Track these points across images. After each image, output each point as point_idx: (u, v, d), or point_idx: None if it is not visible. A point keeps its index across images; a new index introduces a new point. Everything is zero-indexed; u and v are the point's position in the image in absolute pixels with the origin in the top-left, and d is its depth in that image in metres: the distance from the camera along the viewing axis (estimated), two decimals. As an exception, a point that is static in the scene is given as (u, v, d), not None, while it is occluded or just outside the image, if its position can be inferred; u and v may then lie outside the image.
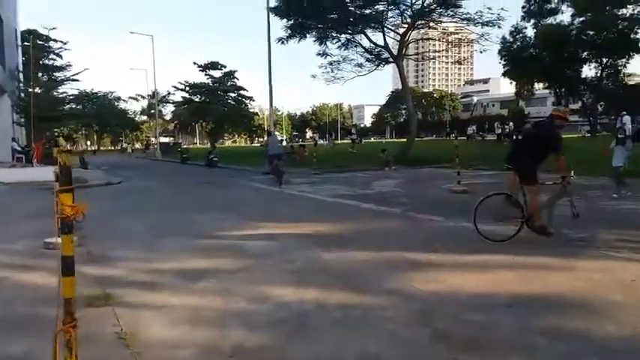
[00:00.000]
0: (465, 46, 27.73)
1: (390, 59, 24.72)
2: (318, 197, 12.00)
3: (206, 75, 67.76)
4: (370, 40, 24.28)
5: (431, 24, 23.68)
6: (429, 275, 4.98)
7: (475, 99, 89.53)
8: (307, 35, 23.79)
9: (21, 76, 27.04)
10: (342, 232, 7.42)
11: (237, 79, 69.41)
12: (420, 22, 23.17)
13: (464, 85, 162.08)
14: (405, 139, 42.42)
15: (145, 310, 4.20)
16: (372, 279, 4.92)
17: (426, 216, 8.60)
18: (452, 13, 21.91)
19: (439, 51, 28.40)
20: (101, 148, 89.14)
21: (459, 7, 21.52)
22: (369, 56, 25.08)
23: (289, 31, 23.38)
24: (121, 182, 18.09)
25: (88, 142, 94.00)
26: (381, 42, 24.28)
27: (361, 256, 5.82)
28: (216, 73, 67.85)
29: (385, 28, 23.64)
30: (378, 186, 14.42)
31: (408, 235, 7.20)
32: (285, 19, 23.03)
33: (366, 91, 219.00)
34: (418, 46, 41.96)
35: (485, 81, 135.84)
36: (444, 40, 26.00)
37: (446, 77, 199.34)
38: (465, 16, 21.75)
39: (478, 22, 22.16)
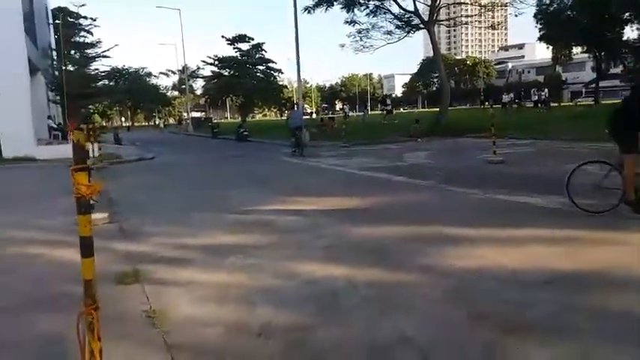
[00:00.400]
0: (498, 9, 26.46)
1: (421, 25, 23.89)
2: (347, 170, 11.82)
3: (234, 48, 67.60)
4: (400, 6, 23.51)
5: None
6: (465, 251, 4.77)
7: (510, 65, 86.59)
8: (334, 3, 23.17)
9: (54, 54, 27.48)
10: (373, 206, 7.25)
11: (265, 52, 68.98)
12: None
13: (498, 51, 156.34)
14: (438, 109, 41.49)
15: (174, 287, 4.17)
16: (405, 255, 4.75)
17: (461, 188, 8.31)
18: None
19: (472, 15, 27.21)
20: (135, 124, 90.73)
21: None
22: (399, 23, 24.30)
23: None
24: (153, 158, 18.37)
25: (123, 119, 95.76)
26: (410, 7, 23.47)
27: (393, 231, 5.65)
28: (244, 46, 67.58)
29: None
30: (410, 158, 14.10)
31: (441, 208, 6.97)
32: (311, -14, 22.47)
33: (397, 60, 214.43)
34: (449, 11, 40.49)
35: (521, 47, 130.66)
36: (477, 4, 24.88)
37: (479, 43, 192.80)
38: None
39: (514, -17, 21.04)
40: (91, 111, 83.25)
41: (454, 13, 39.88)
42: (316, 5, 22.98)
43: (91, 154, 15.55)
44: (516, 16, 22.57)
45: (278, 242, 5.44)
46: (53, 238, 6.05)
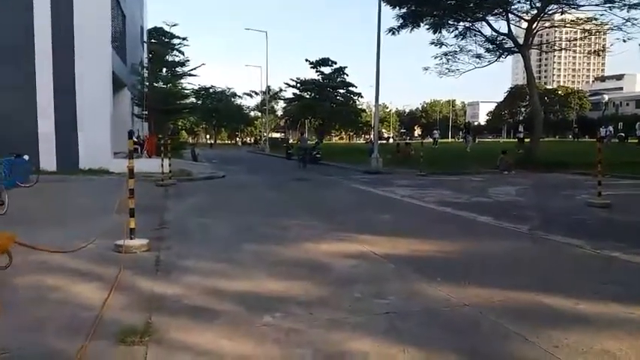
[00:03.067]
0: (605, 33, 23.87)
1: (514, 49, 22.03)
2: (422, 204, 10.50)
3: (317, 71, 68.46)
4: (492, 28, 21.84)
5: (564, 8, 20.56)
6: (578, 338, 3.40)
7: (606, 97, 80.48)
8: (421, 24, 21.98)
9: (143, 70, 28.70)
10: (452, 256, 5.95)
11: (347, 75, 69.28)
12: (552, 5, 20.21)
13: (593, 81, 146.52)
14: (526, 139, 38.62)
15: (185, 354, 3.21)
16: (496, 337, 3.48)
17: (561, 238, 6.79)
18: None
19: (572, 40, 24.82)
20: (218, 141, 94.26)
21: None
22: (490, 46, 22.60)
23: (401, 20, 21.77)
24: (224, 176, 18.04)
25: (208, 136, 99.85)
26: (504, 29, 21.75)
27: (479, 296, 4.35)
28: (327, 70, 68.28)
29: (510, 14, 21.03)
30: (496, 193, 12.49)
31: (540, 266, 5.53)
32: (397, 8, 21.46)
33: (481, 87, 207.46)
34: (544, 34, 37.76)
35: (619, 77, 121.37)
36: (580, 28, 22.60)
37: (572, 72, 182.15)
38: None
39: (624, 4, 18.74)
40: (179, 127, 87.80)
41: (548, 36, 37.06)
42: (401, 26, 21.93)
43: (162, 170, 15.51)
44: (625, 41, 20.11)
45: (329, 298, 4.34)
46: (80, 266, 5.38)
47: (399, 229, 7.57)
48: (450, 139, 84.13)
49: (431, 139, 50.57)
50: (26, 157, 15.48)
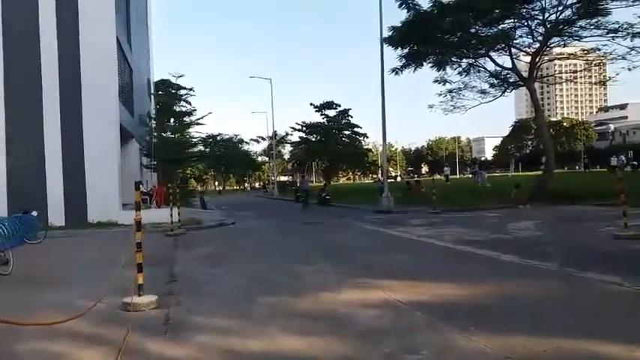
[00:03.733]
0: (604, 64, 23.86)
1: (519, 83, 22.02)
2: (440, 243, 10.10)
3: (321, 115, 69.29)
4: (496, 63, 21.89)
5: (567, 41, 20.65)
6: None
7: (612, 127, 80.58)
8: (424, 63, 22.14)
9: (153, 122, 29.03)
10: (482, 300, 5.53)
11: (352, 117, 69.99)
12: (555, 38, 20.31)
13: (597, 112, 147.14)
14: (534, 173, 38.13)
15: None
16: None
17: (594, 275, 6.37)
18: (595, 24, 18.70)
19: (575, 72, 24.83)
20: (227, 187, 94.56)
21: (607, 14, 18.24)
22: (495, 81, 22.62)
23: (404, 60, 21.94)
24: (234, 223, 17.75)
25: (216, 182, 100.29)
26: (507, 64, 21.83)
27: (521, 346, 3.94)
28: (331, 112, 69.10)
29: (513, 49, 21.14)
30: (515, 229, 12.06)
31: (581, 307, 5.10)
32: (399, 48, 21.69)
33: (486, 123, 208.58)
34: (545, 67, 38.06)
35: (622, 107, 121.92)
36: (584, 59, 22.64)
37: (575, 104, 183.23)
38: (611, 26, 18.45)
39: (628, 34, 18.74)
40: (188, 175, 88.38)
41: (548, 69, 37.24)
42: (404, 66, 22.08)
43: (171, 220, 15.28)
44: (630, 70, 20.02)
45: (355, 354, 3.95)
46: (87, 329, 5.03)
47: (420, 272, 7.19)
48: (457, 176, 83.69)
49: (442, 176, 49.86)
50: (35, 213, 15.33)
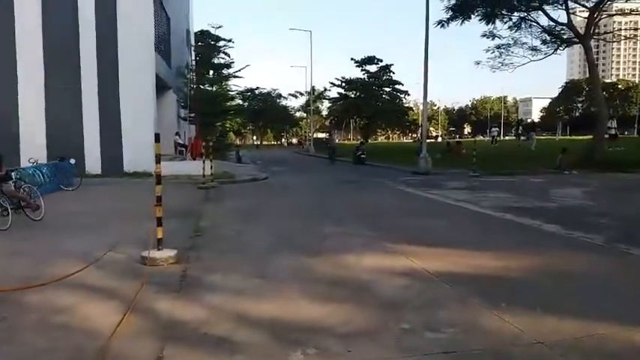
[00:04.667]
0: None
1: (575, 40, 20.41)
2: (479, 210, 9.56)
3: (362, 70, 67.52)
4: (550, 18, 20.26)
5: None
6: None
7: (672, 90, 75.00)
8: (472, 15, 20.74)
9: (192, 74, 28.89)
10: (518, 274, 5.08)
11: (393, 73, 67.84)
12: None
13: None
14: (583, 137, 36.15)
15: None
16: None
17: (648, 252, 5.78)
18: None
19: (638, 29, 22.72)
20: (264, 142, 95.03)
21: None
22: (548, 37, 21.03)
23: (451, 12, 20.61)
24: (266, 178, 17.62)
25: (254, 137, 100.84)
26: (562, 19, 20.18)
27: (557, 331, 3.54)
28: (372, 68, 67.13)
29: (570, 2, 19.45)
30: (560, 196, 11.33)
31: (629, 291, 4.57)
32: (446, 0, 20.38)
33: (534, 83, 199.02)
34: (606, 23, 35.26)
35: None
36: (647, 14, 20.69)
37: (633, 65, 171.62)
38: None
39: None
40: (227, 129, 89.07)
41: (610, 27, 34.34)
42: (451, 18, 20.75)
43: (203, 173, 15.26)
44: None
45: (373, 329, 3.64)
46: (100, 282, 4.94)
47: (453, 240, 6.75)
48: (501, 137, 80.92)
49: (489, 137, 47.30)
50: (72, 160, 15.62)
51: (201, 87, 29.73)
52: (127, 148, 16.99)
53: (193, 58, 33.43)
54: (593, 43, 21.50)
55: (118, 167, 16.69)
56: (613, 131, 26.55)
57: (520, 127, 63.15)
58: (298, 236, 7.12)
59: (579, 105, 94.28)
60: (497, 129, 46.63)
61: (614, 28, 26.35)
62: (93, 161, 16.93)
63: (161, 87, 21.72)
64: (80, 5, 16.80)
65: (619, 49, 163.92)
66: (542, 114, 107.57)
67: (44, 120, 16.76)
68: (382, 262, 5.58)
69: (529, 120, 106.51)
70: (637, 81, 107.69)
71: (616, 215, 8.59)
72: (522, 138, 51.20)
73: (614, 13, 22.54)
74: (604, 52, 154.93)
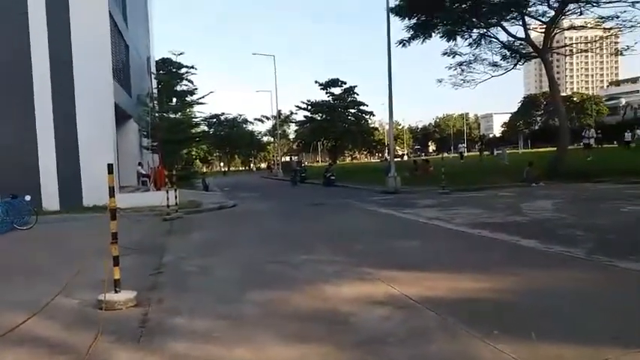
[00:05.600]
0: (627, 32, 22.57)
1: (533, 54, 20.94)
2: (452, 227, 9.35)
3: (327, 93, 68.16)
4: (508, 33, 20.77)
5: (584, 7, 19.45)
6: None
7: (624, 100, 78.66)
8: (433, 34, 21.05)
9: (154, 102, 28.26)
10: (504, 296, 4.81)
11: (357, 95, 68.87)
12: (572, 5, 19.12)
13: (608, 86, 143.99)
14: (544, 149, 37.05)
15: None
16: None
17: (633, 265, 5.62)
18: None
19: (593, 41, 23.59)
20: (232, 168, 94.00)
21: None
22: (507, 52, 21.53)
23: (412, 31, 20.87)
24: (234, 205, 17.09)
25: (222, 163, 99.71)
26: (520, 34, 20.71)
27: (556, 355, 3.25)
28: (337, 90, 67.95)
29: (526, 17, 19.99)
30: (531, 210, 11.29)
31: (623, 307, 4.35)
32: (406, 19, 20.61)
33: (494, 99, 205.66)
34: (559, 39, 36.60)
35: (634, 80, 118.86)
36: (600, 28, 21.46)
37: (585, 78, 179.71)
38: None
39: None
40: (193, 156, 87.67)
41: (562, 41, 35.57)
42: (412, 37, 21.01)
43: (167, 203, 14.62)
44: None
45: (357, 372, 3.26)
46: (51, 332, 4.40)
47: (432, 261, 6.47)
48: (466, 153, 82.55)
49: (457, 154, 48.01)
50: (28, 197, 14.73)
51: (164, 115, 29.11)
52: (86, 182, 16.20)
53: (155, 86, 32.81)
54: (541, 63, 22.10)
55: (77, 201, 15.87)
56: (589, 141, 26.85)
57: (482, 143, 64.80)
58: (268, 267, 6.69)
59: (538, 118, 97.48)
60: (464, 145, 47.84)
61: (565, 43, 27.35)
62: (50, 197, 16.07)
63: (121, 116, 21.06)
64: (32, 31, 16.14)
65: (572, 64, 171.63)
66: (503, 129, 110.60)
67: (-6, 154, 15.86)
68: (360, 290, 5.22)
69: (491, 135, 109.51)
70: (591, 93, 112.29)
71: (590, 226, 8.51)
72: (486, 153, 52.35)
73: (567, 27, 23.32)
74: (558, 66, 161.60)
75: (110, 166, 5.39)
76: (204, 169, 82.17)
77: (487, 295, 4.84)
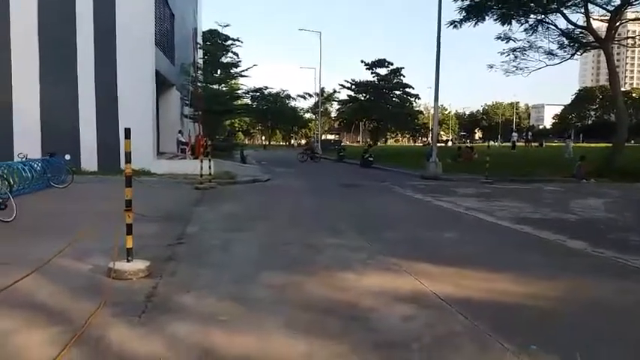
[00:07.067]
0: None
1: (595, 44, 19.45)
2: (493, 221, 8.72)
3: (372, 73, 66.86)
4: (568, 20, 19.29)
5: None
6: None
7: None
8: (486, 17, 19.84)
9: (199, 72, 28.23)
10: (546, 304, 4.25)
11: (404, 77, 67.29)
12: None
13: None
14: (597, 145, 35.08)
15: None
16: None
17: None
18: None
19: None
20: (272, 143, 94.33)
21: None
22: (565, 41, 20.08)
23: (464, 13, 19.73)
24: (268, 180, 16.87)
25: (263, 137, 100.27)
26: (580, 22, 19.23)
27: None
28: (383, 71, 66.54)
29: (589, 4, 18.50)
30: (581, 207, 10.47)
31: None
32: (460, 0, 19.51)
33: (546, 90, 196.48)
34: (621, 31, 34.24)
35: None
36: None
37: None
38: None
39: None
40: (236, 128, 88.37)
41: (627, 32, 33.12)
42: (465, 19, 19.87)
43: (200, 172, 14.52)
44: None
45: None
46: (54, 298, 4.22)
47: (466, 256, 5.94)
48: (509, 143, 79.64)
49: (506, 143, 45.80)
50: (67, 156, 15.02)
51: (208, 85, 29.07)
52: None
53: (200, 56, 32.78)
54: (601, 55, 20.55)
55: (114, 164, 15.98)
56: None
57: (530, 134, 62.09)
58: (291, 248, 6.35)
59: (592, 112, 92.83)
60: (516, 134, 45.40)
61: (627, 36, 25.36)
62: (89, 158, 16.29)
63: (163, 84, 21.09)
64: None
65: (632, 58, 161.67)
66: (554, 121, 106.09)
67: (39, 114, 16.13)
68: (385, 282, 4.79)
69: (541, 127, 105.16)
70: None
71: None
72: (535, 144, 50.01)
73: (633, 18, 21.53)
74: (618, 60, 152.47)
75: (128, 131, 5.09)
76: (246, 142, 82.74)
77: (526, 301, 4.31)
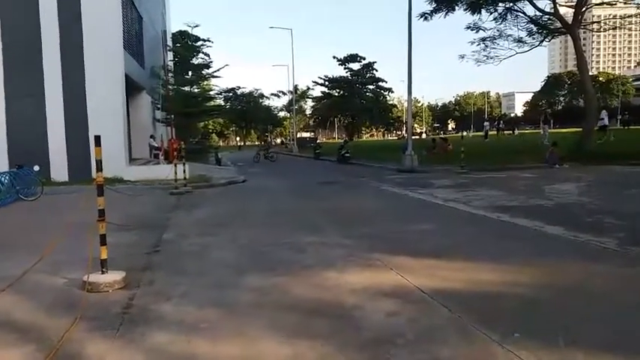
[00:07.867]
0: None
1: (561, 29, 19.84)
2: (470, 210, 8.79)
3: (345, 68, 66.94)
4: (536, 7, 19.66)
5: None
6: None
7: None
8: (456, 7, 20.03)
9: (170, 74, 27.78)
10: (526, 291, 4.29)
11: (376, 71, 67.52)
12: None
13: (635, 66, 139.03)
14: (567, 130, 35.83)
15: None
16: None
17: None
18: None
19: (627, 16, 22.22)
20: (247, 143, 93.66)
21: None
22: (534, 28, 20.44)
23: (434, 4, 19.89)
24: (245, 181, 16.71)
25: (238, 138, 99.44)
26: (548, 9, 19.58)
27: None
28: (355, 66, 66.68)
29: (556, -10, 18.88)
30: (555, 193, 10.65)
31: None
32: (430, -9, 19.65)
33: (516, 78, 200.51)
34: (586, 17, 34.93)
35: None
36: (632, 4, 20.22)
37: (612, 57, 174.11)
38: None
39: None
40: (210, 130, 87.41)
41: (590, 17, 33.76)
42: (435, 10, 20.03)
43: (175, 177, 14.27)
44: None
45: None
46: (26, 314, 4.06)
47: (446, 248, 5.96)
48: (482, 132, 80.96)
49: (478, 133, 46.13)
50: (36, 167, 14.56)
51: (179, 88, 28.64)
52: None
53: (170, 58, 32.29)
54: (569, 42, 20.96)
55: (85, 173, 15.59)
56: (605, 122, 24.97)
57: (501, 122, 63.08)
58: (269, 249, 6.27)
59: (562, 98, 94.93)
60: (488, 123, 45.93)
61: (593, 21, 25.98)
62: (59, 168, 15.90)
63: (133, 88, 20.69)
64: (42, 2, 15.73)
65: (599, 43, 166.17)
66: (525, 108, 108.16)
67: (4, 125, 15.65)
68: (367, 279, 4.76)
69: (512, 114, 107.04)
70: (617, 73, 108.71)
71: (620, 213, 7.88)
72: (507, 132, 50.86)
73: (598, 3, 22.04)
74: (584, 44, 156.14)
75: (97, 138, 4.93)
76: (220, 143, 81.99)
77: (507, 289, 4.34)
